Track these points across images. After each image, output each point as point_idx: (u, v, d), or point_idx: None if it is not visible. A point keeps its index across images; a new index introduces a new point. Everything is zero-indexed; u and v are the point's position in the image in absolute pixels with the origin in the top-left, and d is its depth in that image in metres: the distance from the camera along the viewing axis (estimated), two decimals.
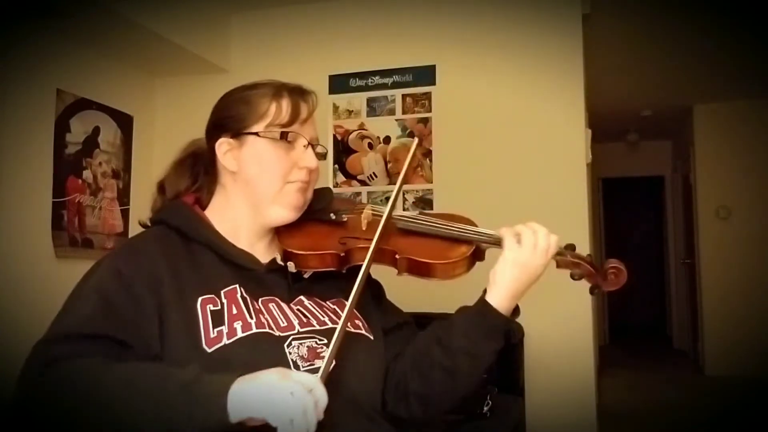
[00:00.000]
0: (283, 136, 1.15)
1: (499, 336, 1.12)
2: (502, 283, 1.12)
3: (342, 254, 1.15)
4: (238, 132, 1.16)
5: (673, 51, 4.71)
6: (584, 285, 1.17)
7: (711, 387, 5.71)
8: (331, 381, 0.92)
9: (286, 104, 1.16)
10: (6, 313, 2.85)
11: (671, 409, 4.93)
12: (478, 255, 1.18)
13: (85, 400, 0.91)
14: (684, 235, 7.32)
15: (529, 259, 1.11)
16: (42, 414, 0.93)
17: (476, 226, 1.21)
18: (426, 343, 1.18)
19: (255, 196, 1.16)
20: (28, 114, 3.06)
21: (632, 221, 9.96)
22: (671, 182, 7.90)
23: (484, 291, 1.14)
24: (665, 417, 4.72)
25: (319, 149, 1.20)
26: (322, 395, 0.88)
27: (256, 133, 1.15)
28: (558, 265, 1.17)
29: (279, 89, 1.18)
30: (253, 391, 0.87)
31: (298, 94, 1.19)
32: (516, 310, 1.15)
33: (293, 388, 0.85)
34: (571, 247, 1.16)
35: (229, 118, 1.17)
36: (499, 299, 1.12)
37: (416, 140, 1.37)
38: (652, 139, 7.56)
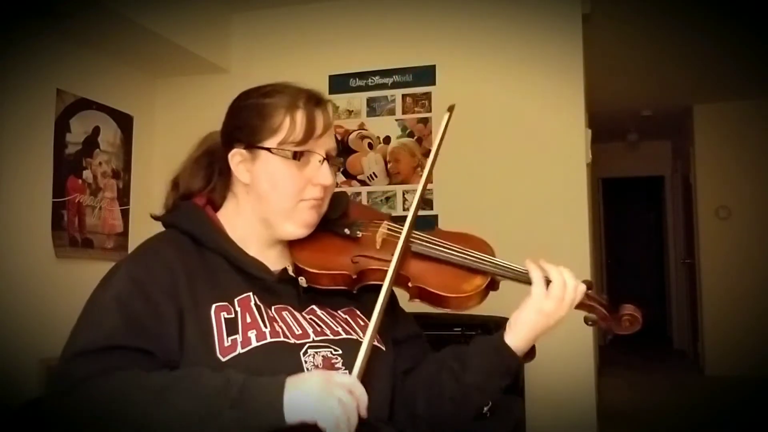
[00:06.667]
0: (296, 155, 1.11)
1: (510, 375, 1.14)
2: (523, 327, 1.12)
3: (354, 276, 1.12)
4: (251, 144, 1.12)
5: (673, 51, 4.71)
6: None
7: (711, 387, 5.71)
8: None
9: (300, 118, 1.11)
10: (6, 313, 2.84)
11: (671, 409, 4.93)
12: (492, 286, 1.15)
13: (126, 415, 0.92)
14: (684, 235, 7.32)
15: (554, 311, 1.10)
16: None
17: (493, 251, 1.18)
18: (438, 370, 1.17)
19: (266, 212, 1.14)
20: (28, 114, 3.06)
21: (632, 221, 9.95)
22: (671, 182, 7.90)
23: (503, 328, 1.13)
24: (665, 417, 4.71)
25: (334, 161, 1.16)
26: (362, 395, 0.94)
27: (269, 149, 1.11)
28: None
29: (294, 99, 1.12)
30: (303, 398, 0.92)
31: (315, 104, 1.14)
32: (532, 351, 1.15)
33: (340, 394, 0.91)
34: (588, 284, 1.14)
35: (242, 129, 1.14)
36: (517, 341, 1.12)
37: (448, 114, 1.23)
38: (652, 139, 7.56)
